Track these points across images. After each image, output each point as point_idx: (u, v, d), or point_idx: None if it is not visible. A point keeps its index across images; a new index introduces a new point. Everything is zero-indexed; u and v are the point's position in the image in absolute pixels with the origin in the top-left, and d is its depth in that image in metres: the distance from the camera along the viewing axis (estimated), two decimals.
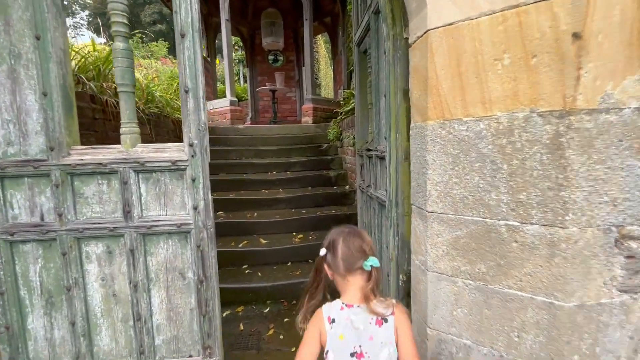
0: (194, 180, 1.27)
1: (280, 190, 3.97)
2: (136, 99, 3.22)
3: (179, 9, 1.19)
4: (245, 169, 4.26)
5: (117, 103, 1.23)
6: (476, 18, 1.00)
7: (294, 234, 3.27)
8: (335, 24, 6.85)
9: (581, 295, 0.94)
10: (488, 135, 1.02)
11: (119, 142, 1.27)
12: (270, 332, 2.15)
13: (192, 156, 1.26)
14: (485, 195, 1.04)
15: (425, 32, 1.13)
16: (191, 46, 1.21)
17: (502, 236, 1.02)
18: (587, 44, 0.86)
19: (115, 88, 1.26)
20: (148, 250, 1.29)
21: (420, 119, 1.22)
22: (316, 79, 9.33)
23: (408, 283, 1.46)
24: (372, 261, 0.94)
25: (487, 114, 1.02)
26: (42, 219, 1.24)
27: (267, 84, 7.34)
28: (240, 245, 2.99)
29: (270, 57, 7.95)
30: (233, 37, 7.73)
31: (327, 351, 0.94)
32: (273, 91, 6.55)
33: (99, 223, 1.26)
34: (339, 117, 4.50)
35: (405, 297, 1.46)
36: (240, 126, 5.30)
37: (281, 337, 2.10)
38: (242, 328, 2.21)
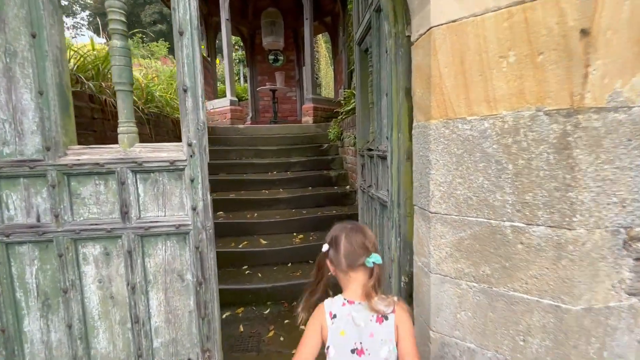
0: (192, 181, 1.24)
1: (281, 190, 3.95)
2: (135, 99, 3.22)
3: (177, 6, 1.17)
4: (245, 169, 4.24)
5: (117, 102, 1.20)
6: (481, 15, 0.98)
7: (295, 234, 3.25)
8: (336, 23, 6.83)
9: (589, 298, 0.91)
10: (493, 135, 1.00)
11: (117, 142, 1.25)
12: (271, 333, 2.13)
13: (191, 156, 1.24)
14: (490, 196, 1.02)
15: (428, 30, 1.10)
16: (190, 44, 1.19)
17: (507, 238, 1.00)
18: (595, 41, 0.84)
19: (114, 87, 1.23)
20: (146, 252, 1.27)
21: (423, 118, 1.20)
22: (316, 78, 9.30)
23: (410, 285, 1.44)
24: (375, 258, 0.94)
25: (492, 112, 0.99)
26: (38, 220, 1.22)
27: (267, 83, 7.33)
28: (240, 246, 2.97)
29: (271, 57, 7.93)
30: (233, 37, 7.71)
31: (328, 346, 0.94)
32: (273, 91, 6.54)
33: (96, 224, 1.23)
34: (339, 117, 4.48)
35: (407, 298, 1.44)
36: (241, 126, 5.28)
37: (281, 338, 2.08)
38: (242, 330, 2.19)
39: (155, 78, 4.19)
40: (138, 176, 1.24)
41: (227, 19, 5.41)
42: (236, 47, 10.70)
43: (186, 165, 1.24)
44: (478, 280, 1.07)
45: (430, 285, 1.18)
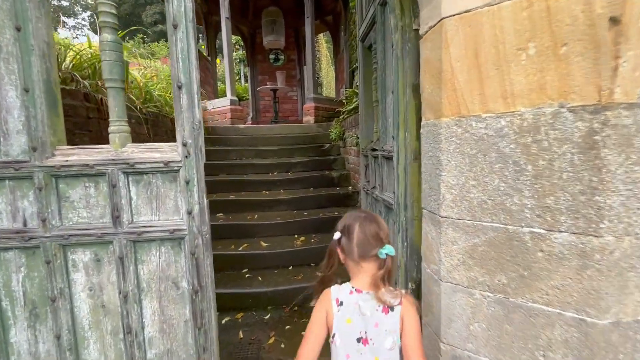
0: (187, 183, 1.17)
1: (282, 191, 3.88)
2: (134, 98, 3.15)
3: None
4: (245, 170, 4.17)
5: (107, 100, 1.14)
6: (497, 4, 0.91)
7: (296, 236, 3.18)
8: (337, 22, 6.76)
9: (617, 311, 0.84)
10: (510, 133, 0.92)
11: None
12: (271, 340, 2.06)
13: (186, 157, 1.17)
14: (506, 200, 0.95)
15: (439, 21, 1.03)
16: (184, 38, 1.12)
17: (526, 245, 0.93)
18: (626, 30, 0.76)
19: (105, 84, 1.16)
20: (139, 258, 1.20)
21: (432, 116, 1.12)
22: (318, 78, 9.24)
23: (418, 291, 1.36)
24: (388, 249, 0.92)
25: (509, 109, 0.92)
26: (24, 224, 1.15)
27: (268, 83, 7.26)
28: (240, 249, 2.90)
29: (271, 56, 7.86)
30: (234, 37, 7.65)
31: (334, 334, 0.94)
32: (274, 90, 6.46)
33: (86, 229, 1.16)
34: (341, 117, 4.40)
35: None
36: (241, 126, 5.21)
37: (282, 345, 2.01)
38: (241, 336, 2.11)
39: (154, 77, 4.13)
40: (130, 178, 1.17)
41: (227, 18, 5.34)
42: (237, 46, 10.64)
43: (181, 167, 1.17)
44: (493, 290, 1.00)
45: (441, 294, 1.11)
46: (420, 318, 1.04)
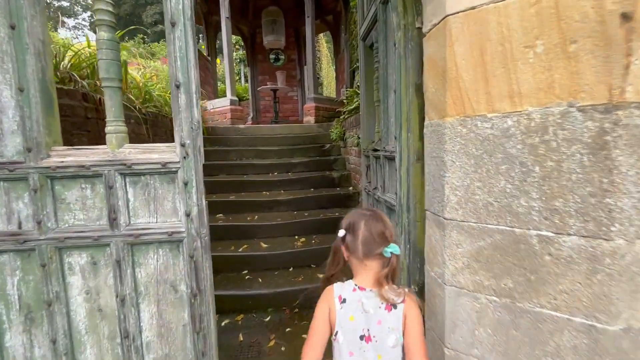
0: (186, 184, 1.15)
1: (282, 191, 3.86)
2: (133, 98, 3.13)
3: None
4: (245, 170, 4.15)
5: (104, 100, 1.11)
6: (503, 0, 0.88)
7: (296, 237, 3.15)
8: (338, 21, 6.74)
9: (628, 317, 0.81)
10: (517, 134, 0.90)
11: None
12: (272, 343, 2.04)
13: (184, 157, 1.14)
14: (513, 202, 0.92)
15: (443, 19, 1.01)
16: (182, 36, 1.09)
17: (533, 248, 0.90)
18: (638, 26, 0.74)
19: (101, 83, 1.13)
20: (136, 261, 1.18)
21: (436, 116, 1.10)
22: (318, 78, 9.21)
23: (421, 295, 1.33)
24: (393, 248, 0.92)
25: (516, 109, 0.89)
26: (19, 227, 1.12)
27: (268, 83, 7.24)
28: (240, 250, 2.88)
29: (272, 56, 7.84)
30: (234, 37, 7.63)
31: (337, 332, 0.93)
32: (274, 90, 6.44)
33: (82, 231, 1.14)
34: (342, 117, 4.38)
35: None
36: (241, 126, 5.19)
37: (283, 348, 1.98)
38: (241, 339, 2.09)
39: (154, 77, 4.10)
40: (127, 179, 1.15)
41: (227, 17, 5.32)
42: (237, 46, 10.62)
43: (179, 168, 1.14)
44: (499, 294, 0.97)
45: (445, 298, 1.08)
46: (423, 317, 1.03)
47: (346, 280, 1.00)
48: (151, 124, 3.22)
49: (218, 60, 8.40)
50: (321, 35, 10.38)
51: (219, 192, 3.72)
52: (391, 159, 1.55)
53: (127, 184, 1.15)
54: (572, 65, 0.80)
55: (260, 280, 2.61)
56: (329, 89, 11.27)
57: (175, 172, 1.15)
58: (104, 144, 1.18)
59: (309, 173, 4.14)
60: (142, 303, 1.20)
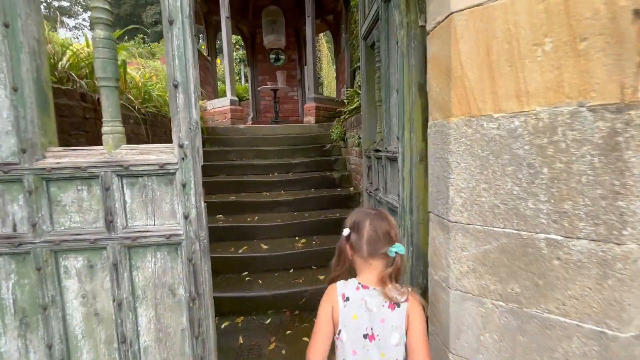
0: (184, 186, 1.12)
1: (282, 192, 3.83)
2: (132, 98, 3.10)
3: None
4: (245, 171, 4.13)
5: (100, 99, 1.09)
6: None
7: (297, 238, 3.13)
8: (338, 21, 6.71)
9: (639, 324, 0.79)
10: (524, 134, 0.87)
11: None
12: (272, 346, 2.01)
13: (183, 159, 1.12)
14: (520, 204, 0.89)
15: (447, 16, 0.98)
16: (181, 34, 1.07)
17: (541, 252, 0.87)
18: None
19: (98, 83, 1.11)
20: (134, 264, 1.15)
21: (440, 116, 1.07)
22: (318, 78, 9.18)
23: (424, 298, 1.31)
24: (398, 248, 0.92)
25: (523, 109, 0.87)
26: (14, 229, 1.10)
27: (268, 83, 7.22)
28: (240, 251, 2.85)
29: (272, 56, 7.82)
30: (234, 36, 7.61)
31: (340, 331, 0.93)
32: (275, 90, 6.42)
33: (78, 234, 1.12)
34: (342, 117, 4.35)
35: None
36: (241, 126, 5.16)
37: (283, 352, 1.96)
38: (241, 341, 2.07)
39: (154, 77, 4.08)
40: (124, 181, 1.13)
41: (227, 17, 5.29)
42: (237, 46, 10.59)
43: (177, 169, 1.12)
44: (506, 299, 0.95)
45: (450, 302, 1.06)
46: (427, 317, 1.02)
47: (349, 278, 1.00)
48: (150, 124, 3.19)
49: (218, 60, 8.38)
50: (321, 35, 10.35)
51: (218, 193, 3.69)
52: (393, 159, 1.53)
53: (124, 185, 1.13)
54: (582, 64, 0.78)
55: (260, 281, 2.59)
56: (329, 89, 11.25)
57: (174, 173, 1.13)
58: (102, 144, 1.16)
59: (309, 173, 4.11)
60: (140, 307, 1.17)
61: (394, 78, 1.49)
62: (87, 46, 2.85)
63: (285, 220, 3.28)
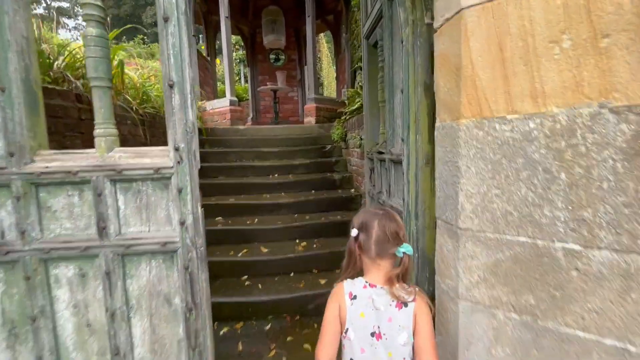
0: (180, 191, 1.07)
1: (282, 194, 3.77)
2: (130, 99, 3.05)
3: None
4: (245, 172, 4.07)
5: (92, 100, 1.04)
6: None
7: (297, 241, 3.07)
8: (339, 21, 6.67)
9: None
10: (540, 137, 0.82)
11: None
12: (272, 353, 1.96)
13: (179, 162, 1.07)
14: (535, 211, 0.84)
15: (457, 12, 0.93)
16: (176, 32, 1.02)
17: (558, 262, 0.82)
18: None
19: (90, 83, 1.06)
20: (128, 273, 1.10)
21: (449, 118, 1.02)
22: (318, 78, 9.14)
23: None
24: (406, 248, 0.92)
25: (539, 110, 0.82)
26: (2, 237, 1.05)
27: (268, 83, 7.16)
28: (239, 254, 2.80)
29: (272, 56, 7.78)
30: (234, 36, 7.56)
31: (347, 329, 0.92)
32: (274, 91, 6.36)
33: (69, 242, 1.07)
34: (343, 117, 4.30)
35: None
36: (241, 127, 5.11)
37: (284, 359, 1.90)
38: (240, 348, 2.01)
39: (152, 77, 4.03)
40: (118, 186, 1.08)
41: (227, 17, 5.25)
42: (237, 46, 10.55)
43: (173, 173, 1.07)
44: (519, 311, 0.89)
45: (459, 313, 1.01)
46: (434, 318, 1.01)
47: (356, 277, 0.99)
48: (148, 125, 3.14)
49: (218, 61, 8.33)
50: (322, 35, 10.31)
51: (218, 195, 3.63)
52: (398, 162, 1.48)
53: (118, 190, 1.08)
54: (604, 62, 0.73)
55: (260, 286, 2.53)
56: (330, 89, 11.21)
57: (169, 177, 1.08)
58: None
59: (309, 175, 4.06)
60: (134, 317, 1.12)
61: (398, 77, 1.44)
62: (84, 46, 2.80)
63: (286, 222, 3.23)
